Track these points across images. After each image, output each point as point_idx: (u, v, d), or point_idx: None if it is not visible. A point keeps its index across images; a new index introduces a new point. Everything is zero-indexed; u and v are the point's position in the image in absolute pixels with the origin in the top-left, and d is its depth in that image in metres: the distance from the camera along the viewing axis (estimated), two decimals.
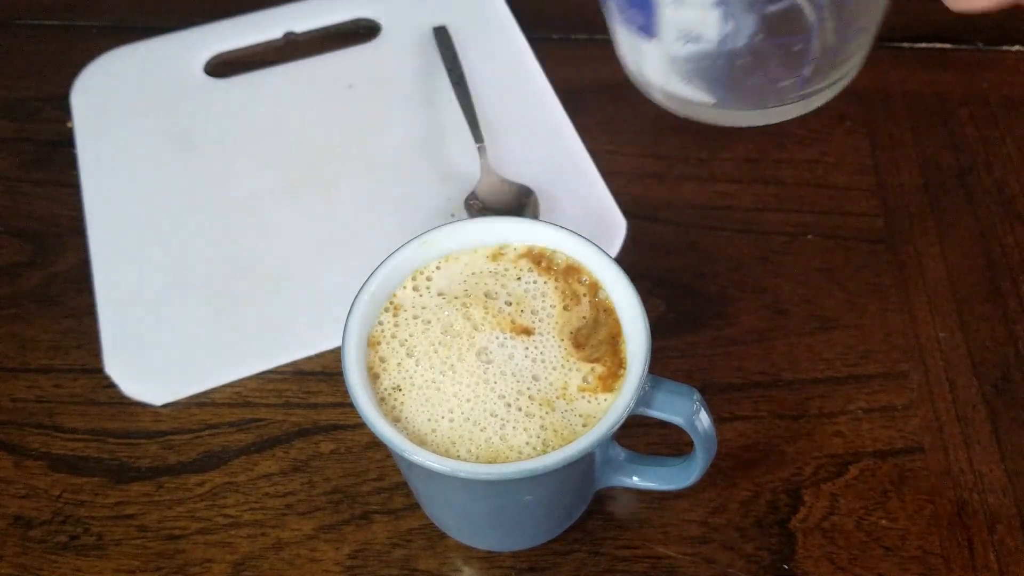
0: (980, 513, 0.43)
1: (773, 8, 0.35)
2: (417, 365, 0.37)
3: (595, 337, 0.38)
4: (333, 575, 0.42)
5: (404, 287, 0.39)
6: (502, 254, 0.40)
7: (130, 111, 0.58)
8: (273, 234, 0.53)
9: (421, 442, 0.35)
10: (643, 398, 0.36)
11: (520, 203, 0.52)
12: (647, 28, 0.39)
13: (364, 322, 0.38)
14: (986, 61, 0.59)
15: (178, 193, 0.55)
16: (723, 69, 0.38)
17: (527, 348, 0.37)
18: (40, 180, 0.56)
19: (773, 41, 0.37)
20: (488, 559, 0.42)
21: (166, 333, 0.49)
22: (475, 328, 0.38)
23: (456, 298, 0.39)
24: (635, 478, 0.41)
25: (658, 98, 0.43)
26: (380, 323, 0.38)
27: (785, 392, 0.47)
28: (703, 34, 0.37)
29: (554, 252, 0.40)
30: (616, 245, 0.52)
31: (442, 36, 0.61)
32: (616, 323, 0.38)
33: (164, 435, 0.46)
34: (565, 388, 0.36)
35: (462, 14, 0.63)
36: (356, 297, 0.38)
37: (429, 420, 0.36)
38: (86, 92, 0.60)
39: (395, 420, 0.36)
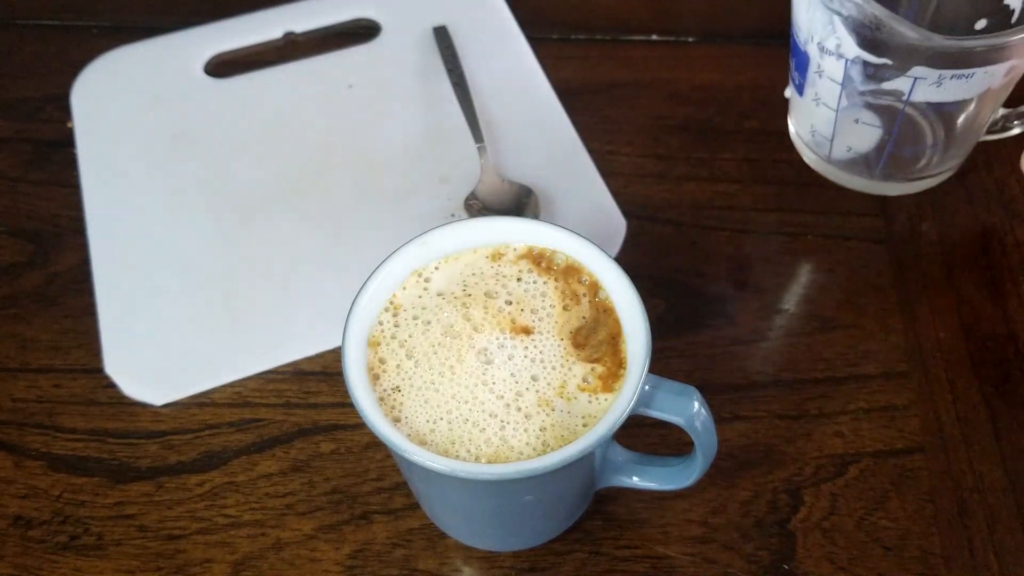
0: (980, 513, 0.43)
1: (875, 100, 0.49)
2: (417, 366, 0.37)
3: (595, 337, 0.38)
4: (333, 575, 0.42)
5: (404, 287, 0.39)
6: (502, 254, 0.40)
7: (130, 111, 0.59)
8: (273, 234, 0.53)
9: (421, 442, 0.35)
10: (643, 398, 0.36)
11: (520, 203, 0.52)
12: (800, 87, 0.51)
13: (364, 322, 0.38)
14: None
15: (178, 193, 0.55)
16: (832, 132, 0.51)
17: (527, 348, 0.37)
18: (40, 180, 0.56)
19: (868, 123, 0.50)
20: (488, 559, 0.42)
21: (166, 333, 0.49)
22: (475, 329, 0.38)
23: (456, 298, 0.39)
24: (635, 478, 0.41)
25: (798, 144, 0.55)
26: (380, 323, 0.38)
27: (785, 392, 0.47)
28: (827, 102, 0.49)
29: (554, 252, 0.40)
30: (616, 245, 0.52)
31: (442, 36, 0.61)
32: (616, 323, 0.38)
33: (164, 435, 0.46)
34: (565, 388, 0.36)
35: (462, 14, 0.63)
36: (356, 297, 0.38)
37: (428, 420, 0.36)
38: (86, 92, 0.60)
39: (395, 420, 0.36)
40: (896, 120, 0.49)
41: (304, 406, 0.47)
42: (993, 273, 0.51)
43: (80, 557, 0.43)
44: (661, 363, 0.47)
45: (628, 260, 0.49)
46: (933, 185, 0.53)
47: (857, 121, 0.50)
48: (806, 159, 0.55)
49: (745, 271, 0.51)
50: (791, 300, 0.50)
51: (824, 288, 0.50)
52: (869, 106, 0.49)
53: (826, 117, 0.50)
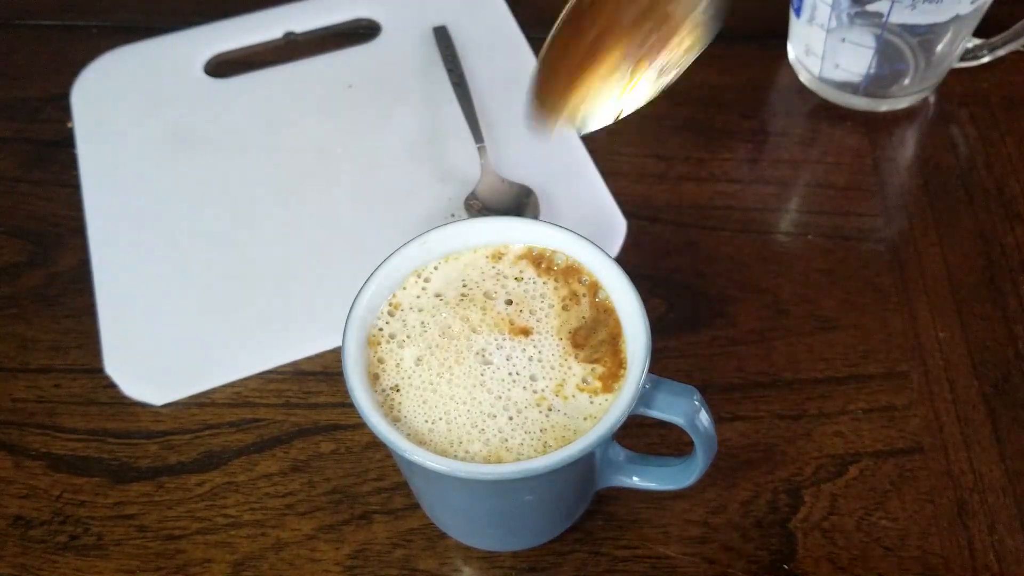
0: (980, 513, 0.43)
1: (860, 21, 0.54)
2: (416, 366, 0.37)
3: (595, 337, 0.38)
4: (333, 575, 0.42)
5: (404, 287, 0.39)
6: (502, 254, 0.40)
7: (130, 111, 0.59)
8: (273, 234, 0.53)
9: (420, 442, 0.35)
10: (643, 398, 0.36)
11: (520, 203, 0.52)
12: (798, 9, 0.56)
13: (364, 322, 0.38)
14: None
15: (178, 193, 0.55)
16: (823, 50, 0.56)
17: (525, 349, 0.37)
18: (40, 180, 0.56)
19: (854, 43, 0.55)
20: (488, 559, 0.42)
21: (166, 333, 0.49)
22: (473, 329, 0.38)
23: (455, 299, 0.39)
24: (635, 478, 0.41)
25: (795, 66, 0.60)
26: (380, 323, 0.38)
27: (785, 392, 0.47)
28: (820, 22, 0.55)
29: (554, 252, 0.40)
30: (616, 245, 0.52)
31: (442, 36, 0.61)
32: (616, 323, 0.38)
33: (164, 435, 0.46)
34: (564, 388, 0.36)
35: (462, 14, 0.63)
36: (356, 297, 0.38)
37: (427, 421, 0.36)
38: (86, 92, 0.60)
39: (394, 420, 0.36)
40: (878, 40, 0.54)
41: (304, 406, 0.47)
42: (993, 273, 0.51)
43: (80, 557, 0.43)
44: (661, 363, 0.47)
45: (628, 260, 0.49)
46: (910, 104, 0.58)
47: (844, 40, 0.55)
48: (802, 78, 0.60)
49: (745, 271, 0.51)
50: (791, 300, 0.50)
51: (824, 288, 0.50)
52: (855, 27, 0.55)
53: (818, 36, 0.55)
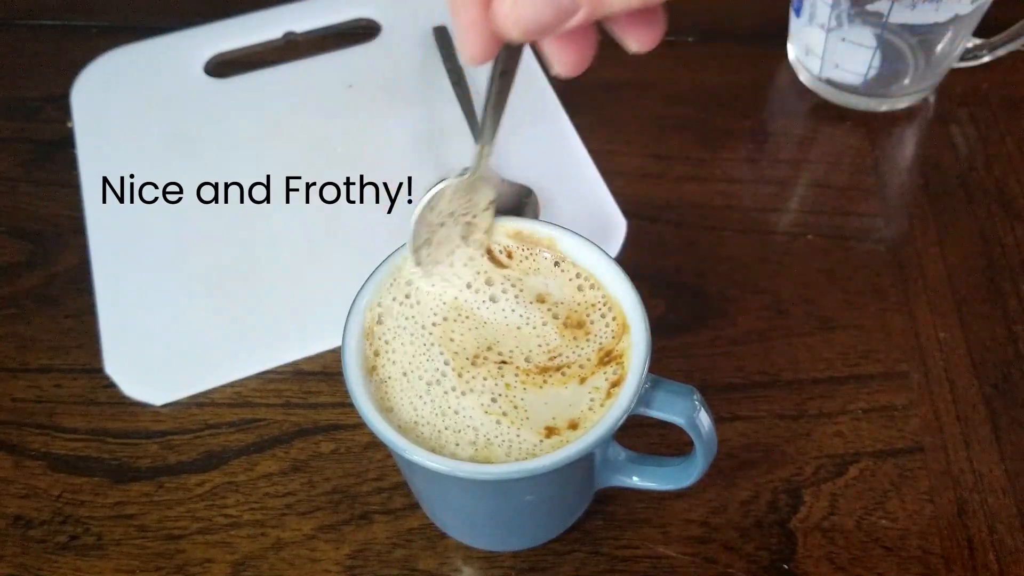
0: (980, 513, 0.43)
1: (860, 21, 0.54)
2: (415, 366, 0.37)
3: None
4: (333, 575, 0.42)
5: (405, 285, 0.39)
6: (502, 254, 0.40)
7: (130, 111, 0.59)
8: (273, 234, 0.53)
9: (418, 440, 0.35)
10: (643, 398, 0.35)
11: (520, 203, 0.52)
12: (798, 9, 0.57)
13: (363, 322, 0.38)
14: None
15: (178, 193, 0.55)
16: (823, 50, 0.56)
17: (530, 349, 0.37)
18: (40, 180, 0.56)
19: (854, 42, 0.55)
20: (488, 559, 0.42)
21: (166, 333, 0.49)
22: (473, 328, 0.37)
23: (454, 298, 0.39)
24: (635, 478, 0.41)
25: (795, 66, 0.61)
26: (380, 323, 0.38)
27: (785, 392, 0.47)
28: (820, 22, 0.55)
29: (554, 251, 0.40)
30: (616, 245, 0.52)
31: (442, 36, 0.61)
32: None
33: (164, 435, 0.46)
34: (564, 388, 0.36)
35: None
36: (356, 297, 0.38)
37: (423, 417, 0.35)
38: (86, 92, 0.60)
39: (398, 426, 0.35)
40: (878, 40, 0.54)
41: (304, 406, 0.47)
42: (993, 273, 0.51)
43: (80, 557, 0.43)
44: (661, 363, 0.47)
45: (628, 260, 0.49)
46: (910, 104, 0.58)
47: (844, 40, 0.55)
48: (802, 78, 0.60)
49: (745, 271, 0.51)
50: (791, 300, 0.50)
51: (824, 288, 0.50)
52: (855, 27, 0.55)
53: (818, 36, 0.55)
